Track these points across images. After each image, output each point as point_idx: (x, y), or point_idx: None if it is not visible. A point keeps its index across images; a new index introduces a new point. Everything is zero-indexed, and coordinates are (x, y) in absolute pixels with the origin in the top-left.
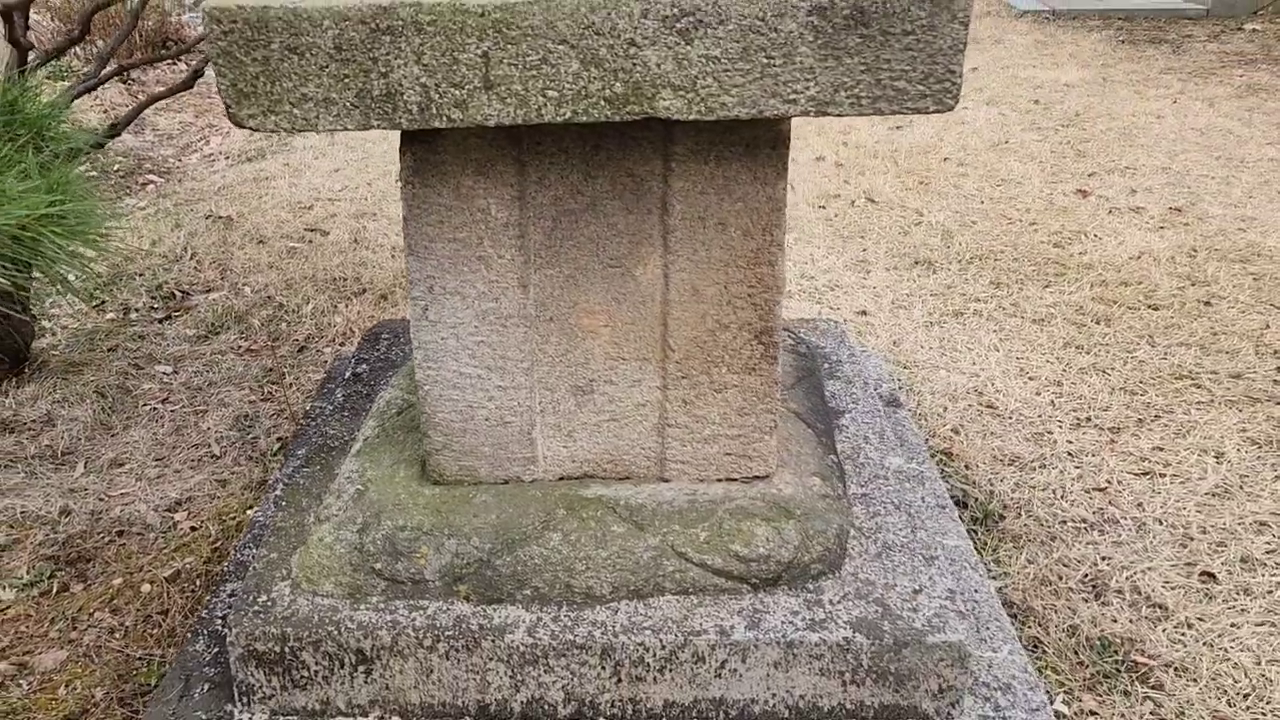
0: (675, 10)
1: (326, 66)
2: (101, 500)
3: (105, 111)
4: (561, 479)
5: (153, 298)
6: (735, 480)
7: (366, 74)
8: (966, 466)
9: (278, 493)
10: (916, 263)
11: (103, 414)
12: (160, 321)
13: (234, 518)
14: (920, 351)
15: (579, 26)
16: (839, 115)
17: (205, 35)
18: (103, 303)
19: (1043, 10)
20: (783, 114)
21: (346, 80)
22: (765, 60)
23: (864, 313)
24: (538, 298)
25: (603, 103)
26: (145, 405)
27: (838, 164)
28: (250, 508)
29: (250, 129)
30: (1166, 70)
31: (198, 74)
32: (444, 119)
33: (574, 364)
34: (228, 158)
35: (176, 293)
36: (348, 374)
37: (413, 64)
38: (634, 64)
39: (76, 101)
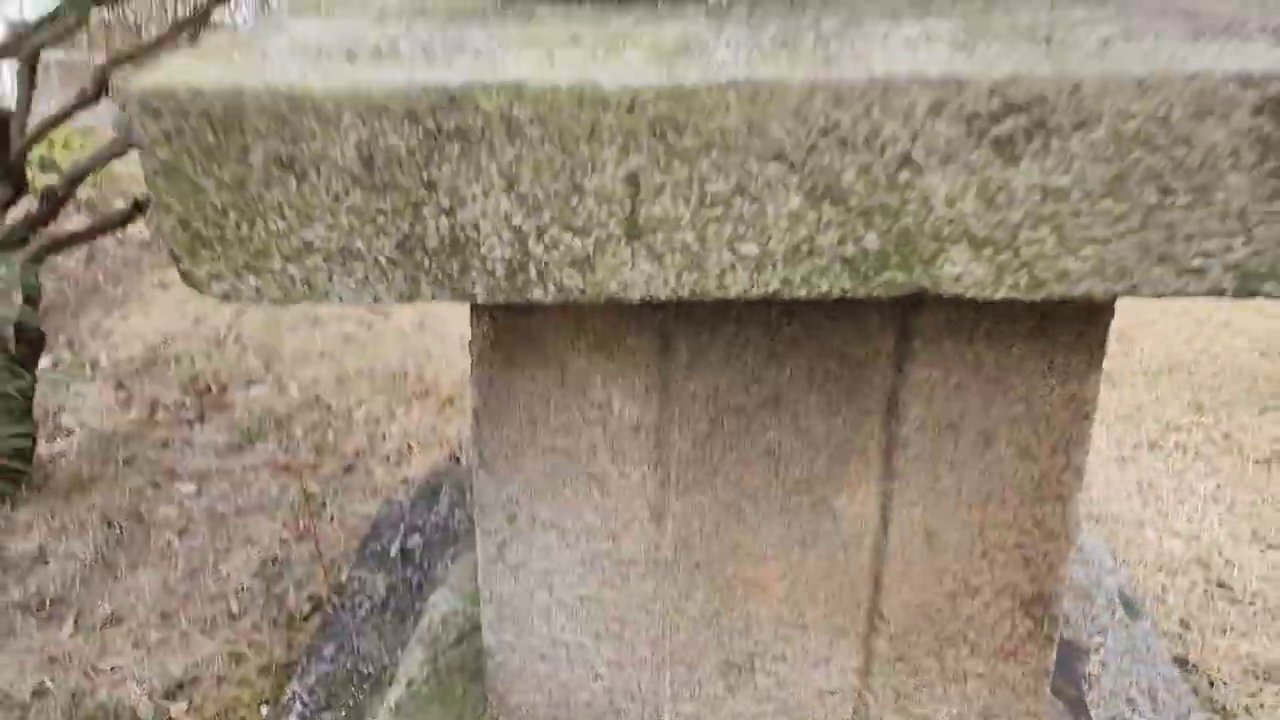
0: (997, 104)
1: (347, 196)
2: (87, 676)
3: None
4: None
5: (185, 392)
6: None
7: (418, 209)
8: (1210, 682)
9: None
10: None
11: (107, 549)
12: (190, 423)
13: (243, 717)
14: (1118, 501)
15: (810, 132)
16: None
17: (135, 139)
18: (129, 398)
19: None
20: (1173, 292)
21: (382, 221)
22: (1157, 198)
23: None
24: (678, 535)
25: (838, 266)
26: (158, 538)
27: None
28: (265, 702)
29: (214, 295)
30: None
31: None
32: (550, 288)
33: (727, 631)
34: None
35: (213, 386)
36: (395, 548)
37: (500, 194)
38: (906, 199)
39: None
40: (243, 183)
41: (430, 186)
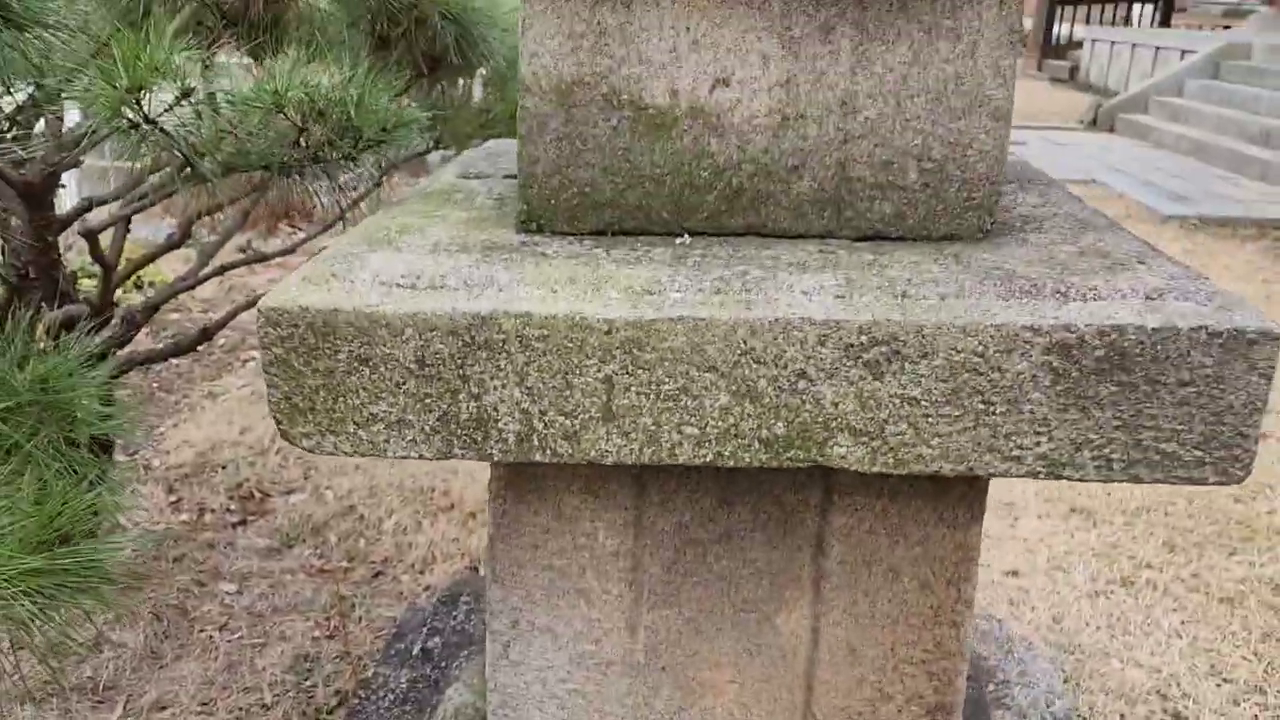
0: (865, 339)
1: (404, 383)
2: None
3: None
4: None
5: (230, 497)
6: None
7: (454, 395)
8: None
9: None
10: (1073, 510)
11: (155, 640)
12: (234, 526)
13: None
14: (1086, 631)
15: (734, 352)
16: (1080, 480)
17: (259, 338)
18: (179, 500)
19: (1189, 216)
20: (1001, 473)
21: (428, 401)
22: (982, 406)
23: (1015, 573)
24: (649, 642)
25: (757, 445)
26: (202, 631)
27: None
28: None
29: (304, 449)
30: None
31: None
32: (548, 452)
33: None
34: None
35: (256, 493)
36: (417, 648)
37: (514, 386)
38: (803, 401)
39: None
40: (331, 372)
41: (464, 379)
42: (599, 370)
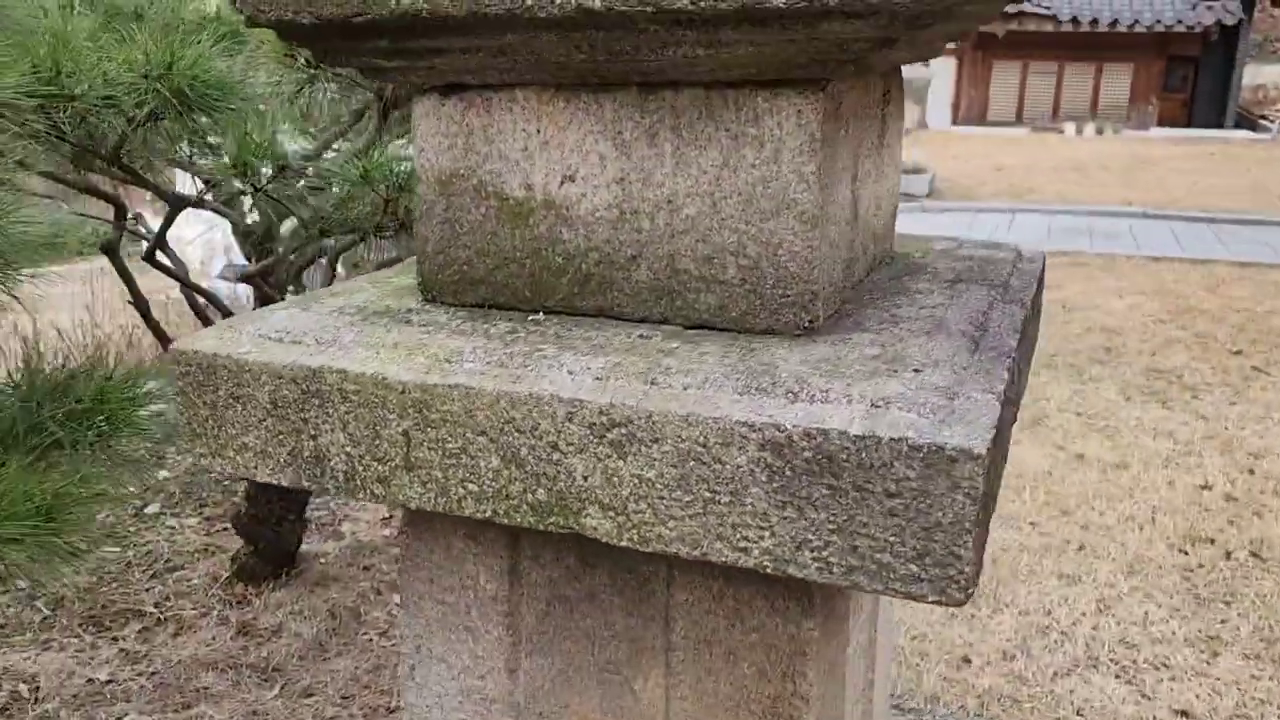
0: (605, 420)
1: (264, 420)
2: None
3: None
4: None
5: None
6: None
7: (298, 434)
8: None
9: None
10: None
11: (325, 635)
12: None
13: None
14: None
15: (499, 420)
16: (807, 578)
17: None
18: (391, 516)
19: None
20: (731, 562)
21: (281, 437)
22: (708, 494)
23: (1185, 715)
24: (528, 687)
25: (525, 507)
26: (365, 634)
27: (1229, 497)
28: None
29: (200, 465)
30: None
31: None
32: (368, 493)
33: None
34: None
35: None
36: None
37: (339, 431)
38: (559, 471)
39: None
40: (214, 405)
41: (304, 421)
42: (399, 424)
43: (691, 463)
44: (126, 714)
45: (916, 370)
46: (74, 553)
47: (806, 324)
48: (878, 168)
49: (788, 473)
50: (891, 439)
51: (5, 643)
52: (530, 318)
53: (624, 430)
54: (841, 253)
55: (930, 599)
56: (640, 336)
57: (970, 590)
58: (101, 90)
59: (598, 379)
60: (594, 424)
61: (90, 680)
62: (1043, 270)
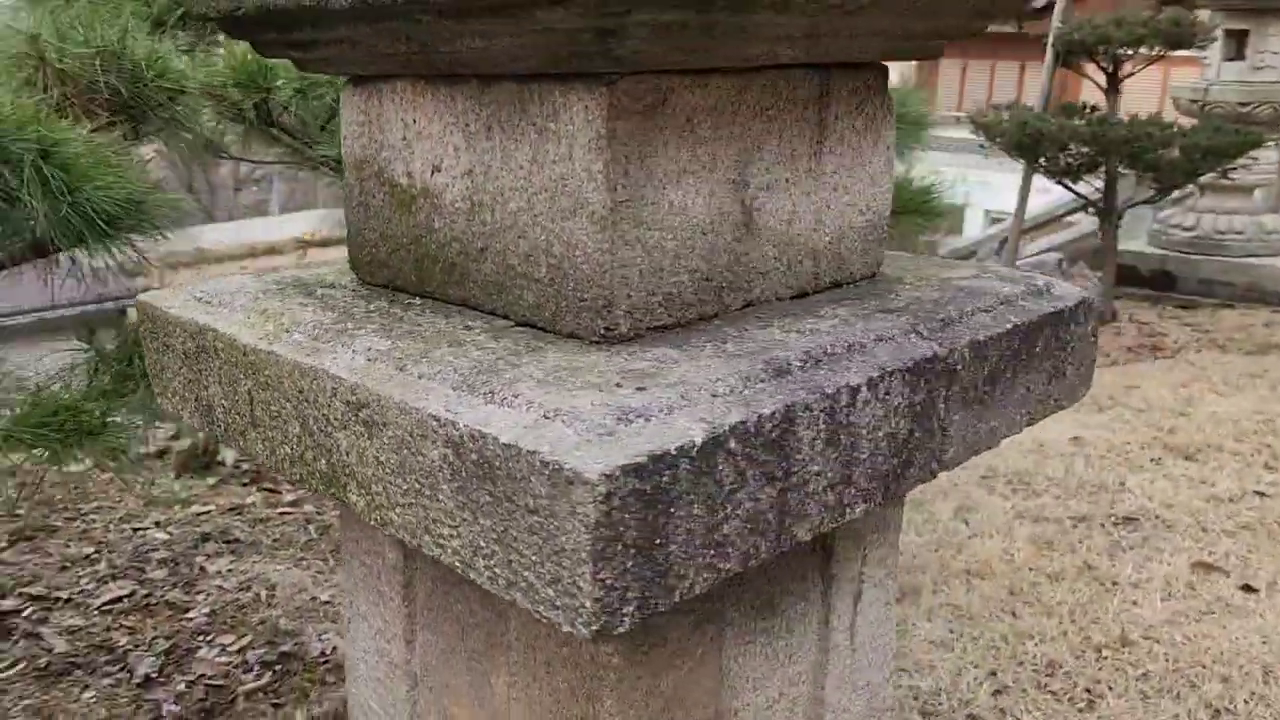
0: (355, 399)
1: (181, 369)
2: None
3: None
4: None
5: None
6: None
7: (198, 384)
8: None
9: None
10: None
11: None
12: None
13: None
14: None
15: (296, 389)
16: (482, 585)
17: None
18: None
19: None
20: (436, 557)
21: (190, 385)
22: (418, 486)
23: None
24: (423, 659)
25: (317, 476)
26: None
27: None
28: None
29: (159, 404)
30: None
31: None
32: (236, 444)
33: None
34: None
35: None
36: None
37: (215, 384)
38: (333, 444)
39: None
40: (160, 352)
41: (200, 373)
42: (245, 384)
43: (405, 451)
44: (326, 633)
45: (640, 389)
46: None
47: (603, 331)
48: (813, 177)
49: (464, 473)
50: (529, 451)
51: (271, 554)
52: (406, 301)
53: (369, 411)
54: (690, 262)
55: (565, 627)
56: (464, 328)
57: (594, 627)
58: None
59: (368, 360)
60: (349, 402)
61: (313, 599)
62: (1072, 310)
